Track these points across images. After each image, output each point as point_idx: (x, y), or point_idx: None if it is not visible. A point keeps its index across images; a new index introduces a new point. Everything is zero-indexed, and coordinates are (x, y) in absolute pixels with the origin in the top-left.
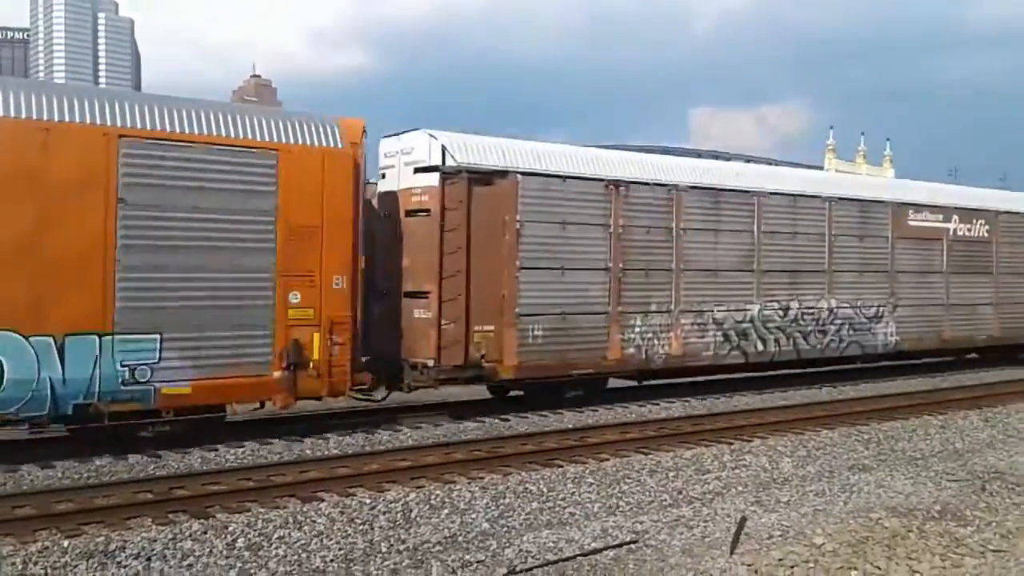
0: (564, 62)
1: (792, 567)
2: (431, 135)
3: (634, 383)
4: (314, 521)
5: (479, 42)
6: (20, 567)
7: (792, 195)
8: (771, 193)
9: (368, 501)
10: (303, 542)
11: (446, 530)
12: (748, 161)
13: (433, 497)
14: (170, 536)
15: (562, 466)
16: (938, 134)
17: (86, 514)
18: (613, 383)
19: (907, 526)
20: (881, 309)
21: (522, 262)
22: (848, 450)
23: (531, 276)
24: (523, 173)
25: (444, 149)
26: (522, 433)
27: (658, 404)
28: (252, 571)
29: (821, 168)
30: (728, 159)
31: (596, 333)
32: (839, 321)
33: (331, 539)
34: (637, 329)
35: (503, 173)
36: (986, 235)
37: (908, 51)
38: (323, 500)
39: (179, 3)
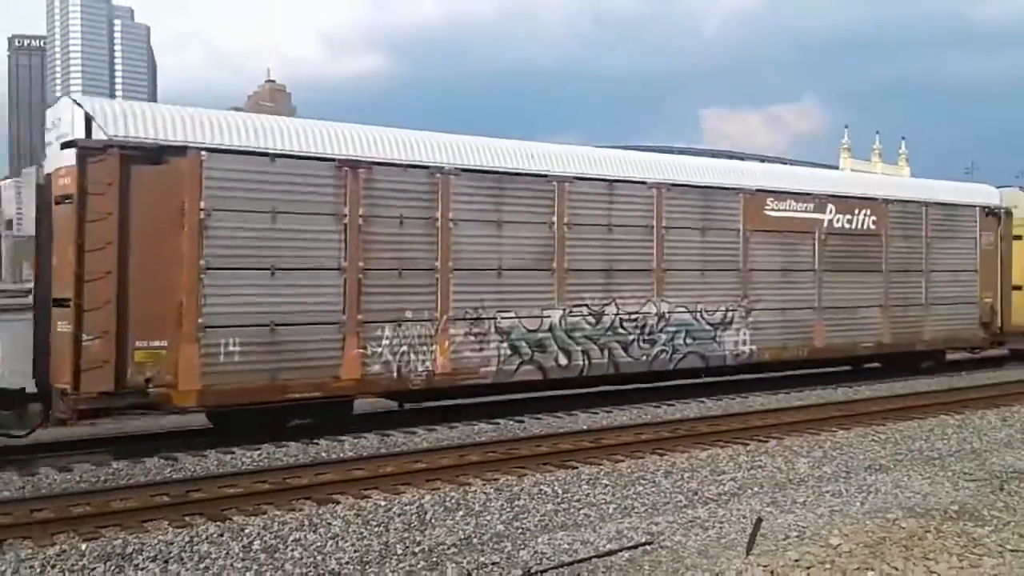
0: (573, 66)
1: (808, 568)
2: (75, 102)
3: (395, 407)
4: (330, 523)
5: (490, 46)
6: (38, 570)
7: (607, 180)
8: (577, 178)
9: (383, 503)
10: (319, 544)
11: (461, 532)
12: (763, 161)
13: (448, 499)
14: (187, 539)
15: (576, 467)
16: (955, 132)
17: (103, 517)
18: (381, 407)
19: (924, 526)
20: (730, 314)
21: (208, 261)
22: (864, 450)
23: (223, 279)
24: (210, 149)
25: (89, 119)
26: (536, 435)
27: (673, 405)
28: (268, 574)
29: (836, 167)
30: (742, 159)
31: (324, 348)
32: (672, 328)
33: (346, 541)
34: (386, 342)
35: (180, 149)
36: (873, 227)
37: (922, 48)
38: (338, 502)
39: (194, 9)
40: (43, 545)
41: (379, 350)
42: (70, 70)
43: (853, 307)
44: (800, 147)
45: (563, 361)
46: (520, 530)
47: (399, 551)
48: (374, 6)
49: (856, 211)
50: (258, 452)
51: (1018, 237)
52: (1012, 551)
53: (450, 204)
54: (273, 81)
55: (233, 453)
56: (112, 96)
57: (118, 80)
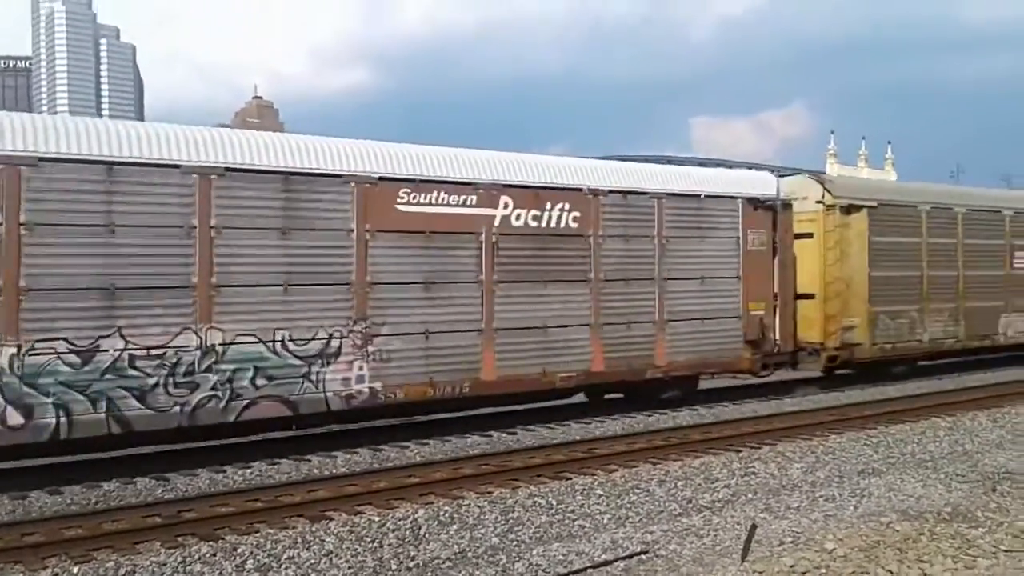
0: (567, 75)
1: (804, 573)
2: None
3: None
4: (323, 540)
5: (479, 59)
6: None
7: (104, 163)
8: (44, 159)
9: (377, 519)
10: (312, 562)
11: (455, 546)
12: (750, 168)
13: (442, 513)
14: (179, 560)
15: (570, 478)
16: (946, 136)
17: (95, 539)
18: None
19: (918, 529)
20: (336, 342)
21: None
22: (857, 454)
23: None
24: None
25: None
26: (530, 446)
27: (665, 414)
28: None
29: (823, 173)
30: (730, 167)
31: None
32: (230, 365)
33: (340, 558)
34: None
35: None
36: (575, 225)
37: (908, 53)
38: (332, 519)
39: (180, 27)
40: (34, 569)
41: None
42: (56, 90)
43: (542, 327)
44: (787, 152)
45: (16, 421)
46: (515, 542)
47: (393, 567)
48: (362, 21)
49: (548, 205)
50: (250, 470)
51: (805, 235)
52: (1006, 552)
53: None
54: (260, 97)
55: (225, 472)
56: (99, 115)
57: (104, 99)
